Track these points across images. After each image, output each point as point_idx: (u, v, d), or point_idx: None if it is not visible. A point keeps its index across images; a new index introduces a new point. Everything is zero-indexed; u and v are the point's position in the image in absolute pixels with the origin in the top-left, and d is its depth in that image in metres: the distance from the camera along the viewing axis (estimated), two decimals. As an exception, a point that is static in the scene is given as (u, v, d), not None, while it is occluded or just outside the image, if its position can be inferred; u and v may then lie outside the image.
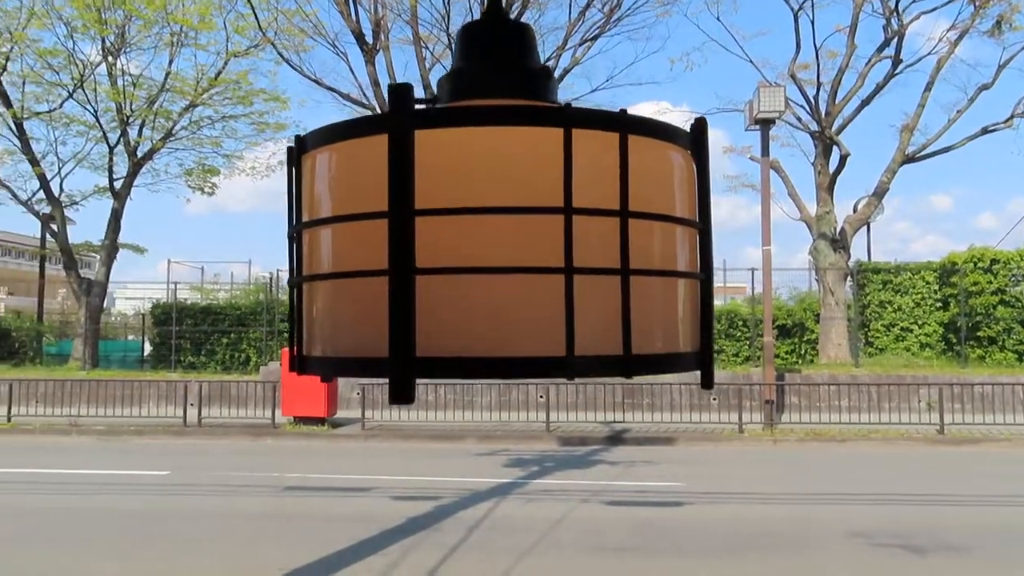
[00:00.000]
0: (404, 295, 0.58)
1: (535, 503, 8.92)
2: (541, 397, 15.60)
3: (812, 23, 19.86)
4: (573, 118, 0.61)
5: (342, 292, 0.65)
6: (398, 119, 0.59)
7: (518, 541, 7.08)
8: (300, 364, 0.70)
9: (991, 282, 19.04)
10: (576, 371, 0.60)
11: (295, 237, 0.71)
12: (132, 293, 32.45)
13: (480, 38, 0.73)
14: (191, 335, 21.26)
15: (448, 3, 19.13)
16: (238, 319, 21.38)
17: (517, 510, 8.52)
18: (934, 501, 9.01)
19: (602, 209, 0.61)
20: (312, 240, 0.69)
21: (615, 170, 0.62)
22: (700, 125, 0.71)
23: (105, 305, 24.58)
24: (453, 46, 0.75)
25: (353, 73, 29.25)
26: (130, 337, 27.04)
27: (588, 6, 19.33)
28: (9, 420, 15.34)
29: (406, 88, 0.60)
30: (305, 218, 0.69)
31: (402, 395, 0.59)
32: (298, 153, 0.70)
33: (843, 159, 19.88)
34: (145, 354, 23.06)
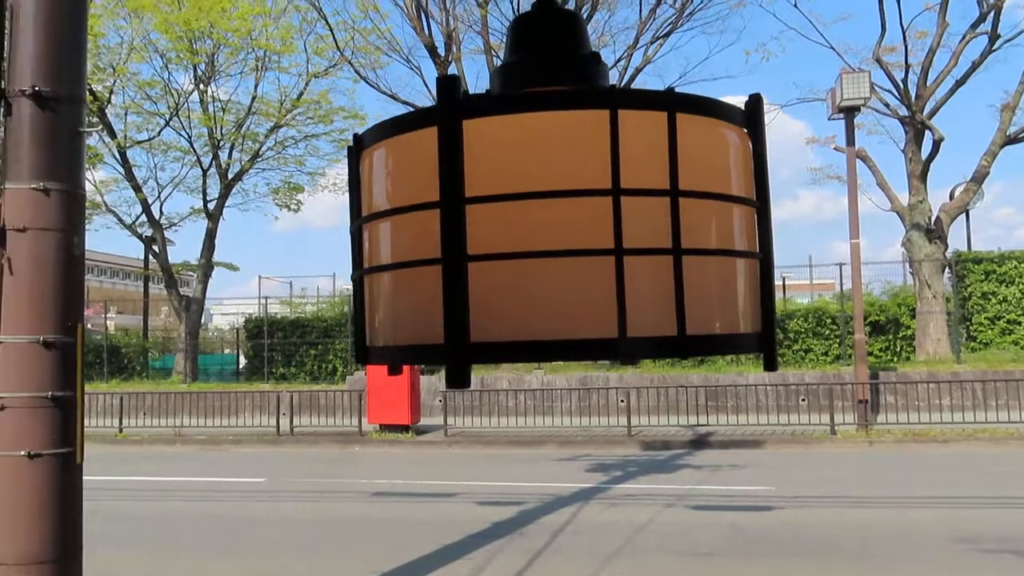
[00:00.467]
0: (457, 282, 0.60)
1: (618, 507, 8.82)
2: (622, 401, 15.44)
3: (898, 3, 19.21)
4: (619, 99, 0.61)
5: (400, 283, 0.67)
6: (446, 110, 0.61)
7: (603, 545, 7.02)
8: (363, 355, 0.72)
9: (1108, 268, 17.73)
10: (628, 353, 0.60)
11: (356, 233, 0.73)
12: (227, 309, 33.96)
13: (528, 29, 0.74)
14: (281, 347, 22.07)
15: (517, 10, 19.26)
16: (324, 331, 22.07)
17: (600, 515, 8.45)
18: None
19: (651, 189, 0.61)
20: (372, 234, 0.71)
21: (664, 149, 0.62)
22: (754, 101, 0.69)
23: (203, 321, 25.83)
24: (504, 39, 0.76)
25: (427, 86, 29.75)
26: (226, 351, 28.30)
27: (660, 3, 19.12)
28: (120, 431, 16.29)
29: (453, 80, 0.62)
30: (364, 213, 0.72)
31: (458, 380, 0.60)
32: (357, 151, 0.73)
33: (936, 144, 18.90)
34: (240, 366, 24.08)
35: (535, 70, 0.71)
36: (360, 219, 0.72)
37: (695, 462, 11.98)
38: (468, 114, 0.61)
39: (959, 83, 18.99)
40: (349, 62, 20.27)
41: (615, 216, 0.60)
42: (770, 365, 0.69)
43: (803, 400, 15.66)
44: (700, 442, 13.72)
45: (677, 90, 0.63)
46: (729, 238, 0.66)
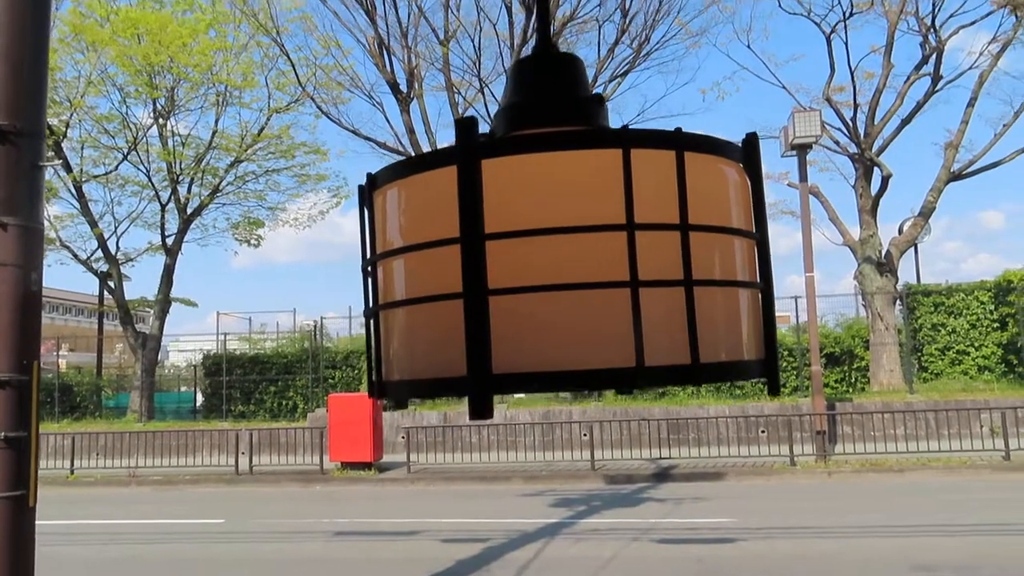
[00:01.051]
0: (479, 315, 0.62)
1: (584, 543, 8.78)
2: (585, 435, 15.44)
3: (846, 45, 19.92)
4: (631, 138, 0.64)
5: (418, 317, 0.69)
6: (465, 150, 0.64)
7: (572, 581, 6.96)
8: (379, 390, 0.74)
9: (1050, 300, 18.41)
10: (647, 381, 0.63)
11: (370, 270, 0.75)
12: (184, 346, 33.20)
13: (532, 72, 0.77)
14: (240, 384, 21.63)
15: (479, 49, 19.58)
16: (285, 367, 21.72)
17: (566, 550, 8.39)
18: (1002, 531, 8.63)
19: (663, 224, 0.64)
20: (386, 271, 0.73)
21: (673, 186, 0.65)
22: (751, 140, 0.74)
23: (159, 358, 25.20)
24: (505, 82, 0.79)
25: (389, 122, 29.90)
26: (183, 388, 27.61)
27: (617, 43, 19.59)
28: (72, 473, 15.72)
29: (471, 121, 0.64)
30: (379, 250, 0.73)
31: (482, 411, 0.62)
32: (370, 190, 0.75)
33: (885, 180, 19.58)
34: (198, 404, 23.51)
35: (539, 111, 0.74)
36: (375, 256, 0.74)
37: (659, 495, 12.00)
38: (486, 154, 0.64)
39: (905, 122, 19.77)
40: (311, 98, 20.30)
41: (630, 250, 0.63)
42: (773, 390, 0.72)
43: (763, 432, 15.85)
44: (663, 475, 13.76)
45: (684, 130, 0.67)
46: (733, 269, 0.70)
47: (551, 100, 0.75)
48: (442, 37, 19.25)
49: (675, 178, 0.65)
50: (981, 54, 19.46)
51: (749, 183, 0.73)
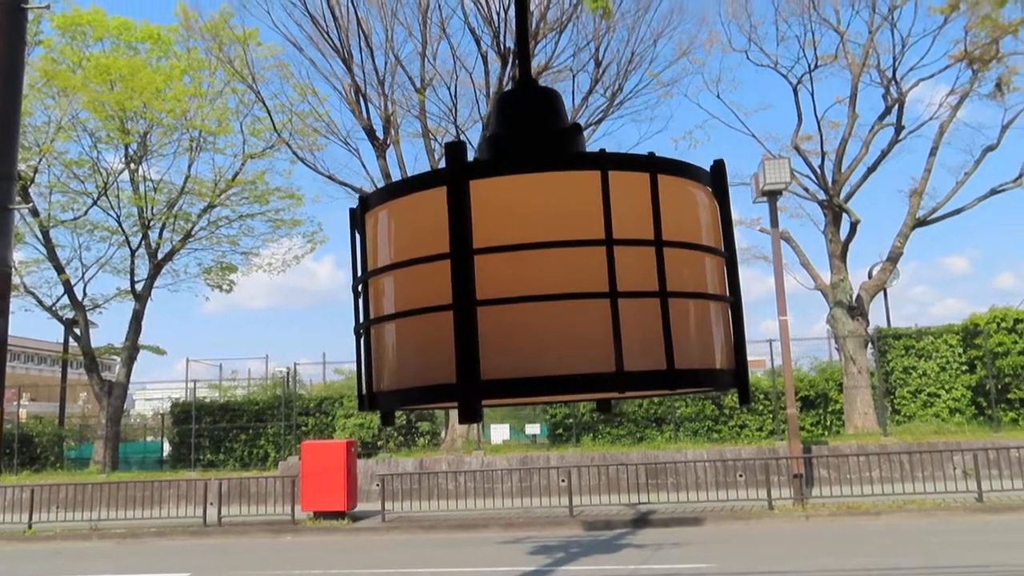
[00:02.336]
0: (469, 325, 0.66)
1: (565, 590, 8.66)
2: (563, 481, 15.32)
3: (812, 96, 20.47)
4: (608, 161, 0.69)
5: (408, 329, 0.73)
6: (455, 172, 0.68)
7: (550, 630, 6.84)
8: (369, 401, 0.77)
9: (1016, 342, 18.79)
10: (626, 385, 0.66)
11: (361, 288, 0.79)
12: (151, 394, 32.58)
13: (514, 104, 0.83)
14: (210, 433, 21.20)
15: (455, 97, 19.92)
16: (256, 415, 21.35)
17: (547, 598, 8.26)
18: (979, 572, 8.67)
19: (639, 239, 0.69)
20: (377, 287, 0.77)
21: (648, 205, 0.70)
22: (718, 166, 0.79)
23: (125, 407, 24.66)
24: (489, 115, 0.84)
25: (365, 167, 30.19)
26: (149, 438, 26.99)
27: (591, 92, 20.05)
28: (30, 527, 15.19)
29: (460, 145, 0.69)
30: (371, 268, 0.77)
31: (471, 415, 0.65)
32: (362, 212, 0.79)
33: (854, 226, 20.05)
34: (165, 454, 22.96)
35: (523, 140, 0.79)
36: (366, 273, 0.78)
37: (637, 541, 11.90)
38: (474, 175, 0.69)
39: (871, 169, 20.36)
40: (287, 143, 20.41)
41: (609, 263, 0.67)
42: (744, 399, 0.76)
43: (740, 476, 15.85)
44: (642, 520, 13.66)
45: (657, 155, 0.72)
46: (704, 283, 0.75)
47: (533, 129, 0.80)
48: (418, 85, 19.56)
49: (649, 198, 0.70)
50: (941, 105, 20.22)
51: (717, 206, 0.79)
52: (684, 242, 0.72)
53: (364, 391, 0.78)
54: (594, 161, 0.69)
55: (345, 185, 20.46)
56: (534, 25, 18.64)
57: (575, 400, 0.84)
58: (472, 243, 0.67)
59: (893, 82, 19.74)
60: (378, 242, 0.76)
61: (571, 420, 19.24)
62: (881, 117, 20.25)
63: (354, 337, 0.80)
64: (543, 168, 0.70)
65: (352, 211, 0.81)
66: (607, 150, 0.71)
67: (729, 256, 0.78)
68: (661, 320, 0.69)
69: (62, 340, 25.53)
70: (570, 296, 0.67)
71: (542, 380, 0.66)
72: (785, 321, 15.37)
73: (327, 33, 19.22)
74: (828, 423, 19.76)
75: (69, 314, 22.37)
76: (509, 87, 0.84)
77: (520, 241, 0.67)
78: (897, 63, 19.69)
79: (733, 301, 0.77)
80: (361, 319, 0.79)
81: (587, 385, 0.67)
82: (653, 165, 0.71)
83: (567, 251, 0.67)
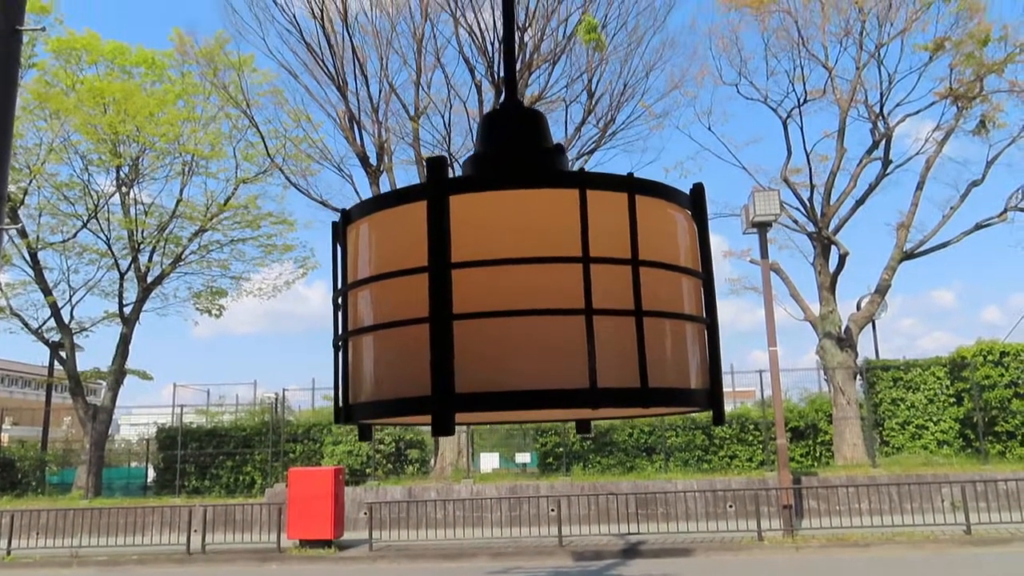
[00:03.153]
0: (445, 338, 0.66)
1: (552, 622, 8.54)
2: (552, 510, 15.18)
3: (801, 129, 20.75)
4: (587, 180, 0.70)
5: (384, 342, 0.73)
6: (435, 186, 0.69)
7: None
8: (346, 414, 0.76)
9: (1003, 375, 18.87)
10: (599, 401, 0.66)
11: (341, 301, 0.79)
12: (137, 419, 32.19)
13: (498, 125, 0.84)
14: (195, 459, 20.94)
15: (448, 125, 20.07)
16: (243, 441, 21.12)
17: (534, 630, 8.14)
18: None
19: (616, 258, 0.70)
20: (356, 300, 0.77)
21: (626, 225, 0.71)
22: (698, 189, 0.80)
23: (109, 432, 24.34)
24: (474, 134, 0.85)
25: (358, 194, 30.19)
26: (133, 464, 26.63)
27: (584, 122, 20.25)
28: (8, 553, 14.90)
29: (441, 160, 0.70)
30: (351, 280, 0.77)
31: (444, 428, 0.65)
32: (344, 225, 0.79)
33: (842, 258, 20.19)
34: (149, 480, 22.63)
35: (507, 158, 0.80)
36: (346, 285, 0.78)
37: (627, 572, 11.78)
38: (454, 190, 0.69)
39: (859, 203, 20.55)
40: (280, 169, 20.46)
41: (585, 280, 0.68)
42: (718, 420, 0.77)
43: (731, 506, 15.76)
44: (632, 551, 13.53)
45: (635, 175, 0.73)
46: (681, 304, 0.75)
47: (516, 148, 0.81)
48: (412, 113, 19.72)
49: (627, 217, 0.71)
50: (927, 141, 20.50)
51: (696, 229, 0.79)
52: (661, 262, 0.73)
53: (340, 404, 0.78)
54: (573, 179, 0.70)
55: (338, 211, 20.34)
56: (528, 56, 18.89)
57: (550, 419, 0.84)
58: (450, 257, 0.67)
59: (880, 117, 20.03)
60: (359, 255, 0.77)
61: (561, 449, 19.12)
62: (869, 151, 20.51)
63: (333, 350, 0.80)
64: (523, 185, 0.71)
65: (335, 224, 0.81)
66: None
67: (706, 278, 0.78)
68: (636, 338, 0.69)
69: (47, 363, 25.26)
70: (546, 312, 0.67)
71: (516, 394, 0.66)
72: (775, 352, 15.40)
73: (322, 61, 19.41)
74: (818, 454, 19.72)
75: (55, 337, 22.16)
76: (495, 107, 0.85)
77: (498, 256, 0.68)
78: (884, 99, 20.02)
79: (709, 323, 0.78)
80: (340, 331, 0.79)
81: (561, 400, 0.67)
82: (632, 185, 0.72)
83: (544, 267, 0.68)
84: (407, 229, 0.71)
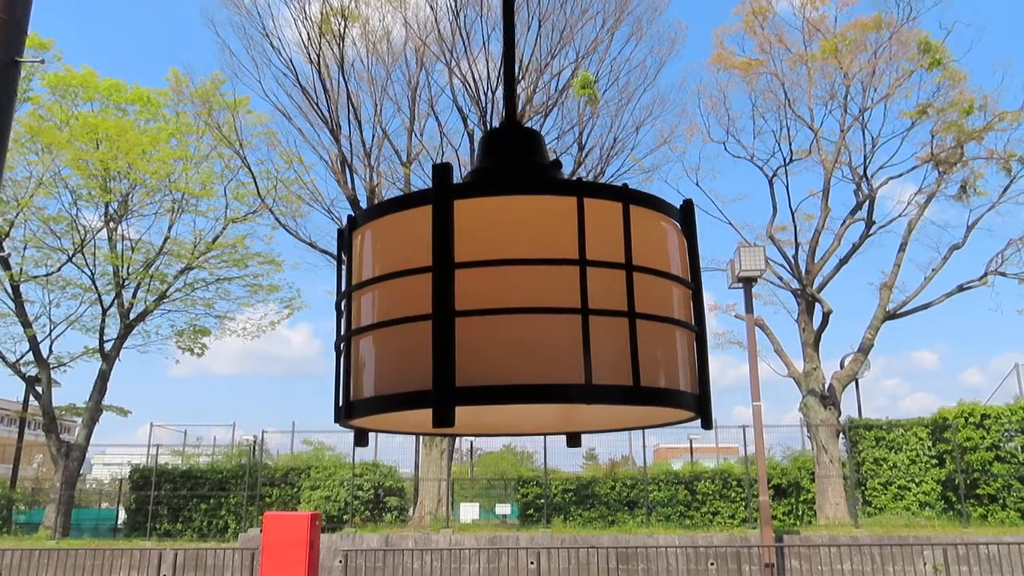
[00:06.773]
0: (446, 334, 0.69)
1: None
2: (532, 563, 14.92)
3: (787, 188, 21.11)
4: (585, 189, 0.75)
5: (387, 338, 0.75)
6: (440, 191, 0.72)
7: None
8: (347, 410, 0.78)
9: (984, 438, 18.92)
10: (593, 397, 0.69)
11: (344, 305, 0.82)
12: (110, 458, 31.60)
13: (498, 140, 0.88)
14: (169, 501, 20.45)
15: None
16: (219, 483, 20.68)
17: None
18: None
19: (611, 262, 0.74)
20: (360, 302, 0.80)
21: (620, 232, 0.75)
22: (687, 205, 0.85)
23: (80, 472, 23.80)
24: (475, 151, 0.89)
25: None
26: (104, 505, 25.99)
27: (573, 174, 20.54)
28: (-33, 594, 14.41)
29: (447, 167, 0.74)
30: (355, 282, 0.80)
31: (445, 420, 0.67)
32: (349, 231, 0.82)
33: (826, 316, 20.35)
34: (119, 521, 22.06)
35: (505, 171, 0.84)
36: (351, 287, 0.81)
37: (606, 628, 11.53)
38: (459, 195, 0.73)
39: (843, 262, 20.84)
40: (270, 209, 20.54)
41: (582, 282, 0.71)
42: (706, 424, 0.79)
43: (712, 563, 15.55)
44: (610, 607, 13.28)
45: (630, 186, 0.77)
46: (671, 310, 0.79)
47: (516, 163, 0.85)
48: (404, 159, 19.95)
49: (622, 225, 0.75)
50: (909, 203, 20.93)
51: (686, 242, 0.83)
52: (653, 268, 0.76)
53: (341, 402, 0.80)
54: (572, 188, 0.74)
55: (326, 253, 20.52)
56: (521, 107, 19.26)
57: (544, 432, 0.86)
58: (454, 257, 0.70)
59: (864, 179, 20.46)
60: (363, 258, 0.80)
61: (542, 500, 18.87)
62: (853, 212, 20.88)
63: (335, 352, 0.82)
64: (524, 191, 0.75)
65: (340, 231, 0.84)
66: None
67: (695, 289, 0.82)
68: (629, 339, 0.72)
69: (21, 399, 24.80)
70: (544, 310, 0.70)
71: (514, 388, 0.69)
72: (759, 406, 15.42)
73: (317, 104, 19.68)
74: (800, 512, 19.55)
75: (32, 371, 21.81)
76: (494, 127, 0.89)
77: (499, 257, 0.71)
78: (868, 161, 20.49)
79: (698, 331, 0.81)
80: (341, 334, 0.81)
81: (557, 395, 0.69)
82: (626, 196, 0.76)
83: (543, 269, 0.71)
84: (412, 232, 0.74)
